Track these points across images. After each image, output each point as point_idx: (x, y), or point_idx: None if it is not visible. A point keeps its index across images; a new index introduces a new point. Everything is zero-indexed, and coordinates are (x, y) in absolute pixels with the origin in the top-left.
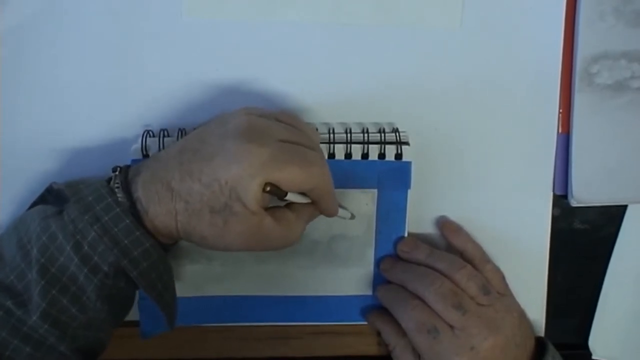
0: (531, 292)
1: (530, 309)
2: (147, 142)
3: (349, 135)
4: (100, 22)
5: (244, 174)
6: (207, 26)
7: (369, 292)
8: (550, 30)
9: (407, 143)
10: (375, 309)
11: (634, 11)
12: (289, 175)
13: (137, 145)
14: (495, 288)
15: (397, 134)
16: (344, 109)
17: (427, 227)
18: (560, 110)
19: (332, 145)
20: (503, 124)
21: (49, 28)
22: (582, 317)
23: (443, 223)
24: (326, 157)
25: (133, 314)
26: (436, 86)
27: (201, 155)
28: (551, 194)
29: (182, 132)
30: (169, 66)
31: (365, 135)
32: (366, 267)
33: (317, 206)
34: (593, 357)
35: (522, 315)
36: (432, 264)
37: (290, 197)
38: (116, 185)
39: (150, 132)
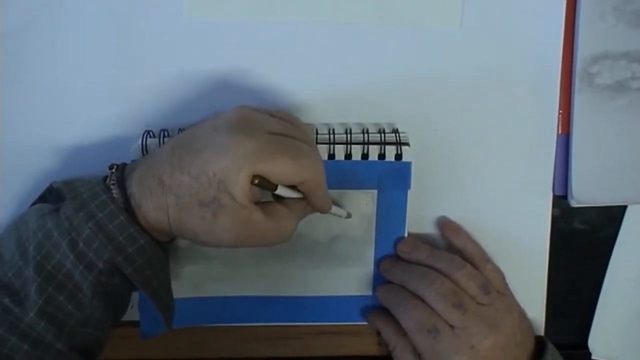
0: (531, 292)
1: (530, 309)
2: (147, 142)
3: (349, 135)
4: (100, 22)
5: (231, 165)
6: (207, 26)
7: (369, 292)
8: (550, 30)
9: (407, 143)
10: (375, 309)
11: (634, 11)
12: (278, 167)
13: (138, 145)
14: (495, 287)
15: (397, 134)
16: (344, 109)
17: (427, 227)
18: (560, 111)
19: (332, 146)
20: (503, 124)
21: (49, 28)
22: (582, 317)
23: (443, 223)
24: (326, 157)
25: (133, 314)
26: (436, 86)
27: (192, 148)
28: (551, 194)
29: (182, 132)
30: (169, 66)
31: (365, 135)
32: (366, 267)
33: (309, 201)
34: (593, 357)
35: (522, 314)
36: (432, 263)
37: (281, 191)
38: (112, 182)
39: (151, 133)
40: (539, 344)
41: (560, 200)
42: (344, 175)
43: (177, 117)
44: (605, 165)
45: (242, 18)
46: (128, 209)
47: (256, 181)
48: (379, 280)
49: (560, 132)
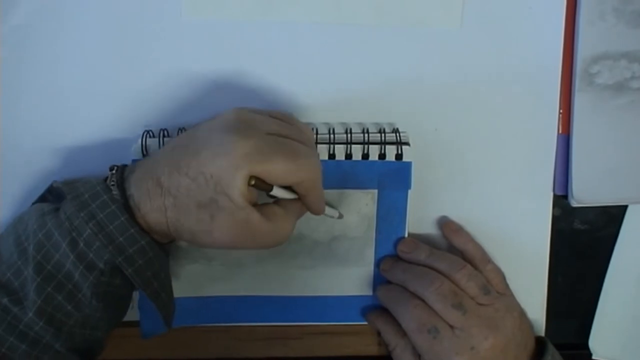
0: (531, 292)
1: (530, 309)
2: (147, 142)
3: (349, 135)
4: (99, 22)
5: (228, 166)
6: (207, 26)
7: (369, 292)
8: (550, 30)
9: (407, 143)
10: (375, 309)
11: (634, 11)
12: (274, 168)
13: (137, 145)
14: (495, 288)
15: (398, 134)
16: (344, 109)
17: (428, 228)
18: (561, 111)
19: (332, 146)
20: (503, 124)
21: (49, 28)
22: (582, 317)
23: (444, 223)
24: (327, 157)
25: (133, 314)
26: (436, 86)
27: (189, 149)
28: (551, 194)
29: (182, 131)
30: (169, 66)
31: (366, 135)
32: (366, 267)
33: (304, 202)
34: (593, 357)
35: (522, 315)
36: (432, 264)
37: (276, 192)
38: (112, 183)
39: (151, 132)
40: (540, 344)
41: (561, 200)
42: (344, 175)
43: (177, 116)
44: (605, 165)
45: (242, 18)
46: (128, 210)
47: (253, 182)
48: (379, 280)
49: (560, 132)
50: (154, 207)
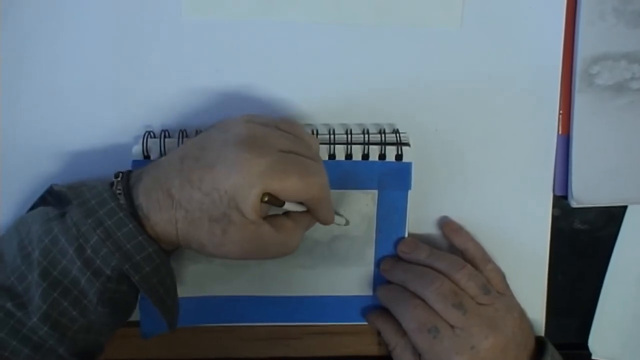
0: (531, 292)
1: (530, 309)
2: (148, 143)
3: (349, 136)
4: (99, 23)
5: (243, 183)
6: (207, 26)
7: (369, 292)
8: (550, 31)
9: (407, 144)
10: (375, 309)
11: (634, 11)
12: (288, 186)
13: (138, 146)
14: (495, 288)
15: (398, 134)
16: (345, 110)
17: (428, 228)
18: (561, 112)
19: (332, 146)
20: (503, 125)
21: (49, 28)
22: (582, 317)
23: (444, 223)
24: (327, 157)
25: (133, 314)
26: (436, 86)
27: (201, 163)
28: (551, 194)
29: (183, 132)
30: (169, 66)
31: (366, 136)
32: (366, 267)
33: (314, 214)
34: (593, 357)
35: (522, 314)
36: (432, 264)
37: (288, 206)
38: (118, 191)
39: (151, 133)
40: (539, 344)
41: (561, 201)
42: (344, 176)
43: (177, 117)
44: (605, 166)
45: (242, 18)
46: (136, 218)
47: (266, 198)
48: (379, 280)
49: (560, 132)
50: (164, 218)
